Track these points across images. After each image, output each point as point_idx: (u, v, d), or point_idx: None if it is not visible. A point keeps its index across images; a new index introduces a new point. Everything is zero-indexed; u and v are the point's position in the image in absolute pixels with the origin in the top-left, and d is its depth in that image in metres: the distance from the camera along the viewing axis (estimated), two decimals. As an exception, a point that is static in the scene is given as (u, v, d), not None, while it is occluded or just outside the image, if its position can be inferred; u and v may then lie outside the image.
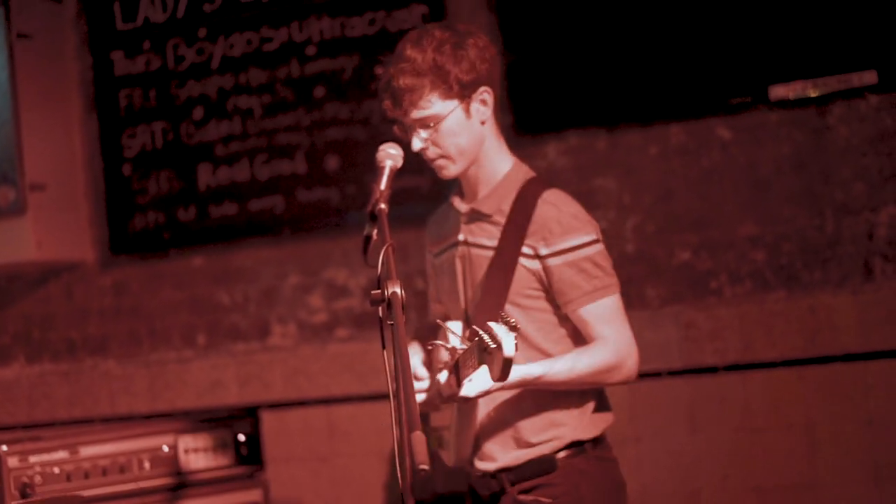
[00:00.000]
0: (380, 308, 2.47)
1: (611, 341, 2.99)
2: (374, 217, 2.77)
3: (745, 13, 4.55)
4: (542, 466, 3.06)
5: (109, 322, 5.52)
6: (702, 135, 4.66)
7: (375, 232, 2.80)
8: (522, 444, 3.07)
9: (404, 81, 2.99)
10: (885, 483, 4.37)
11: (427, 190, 4.92)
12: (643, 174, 4.74)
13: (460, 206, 3.20)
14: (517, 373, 2.81)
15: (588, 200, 4.74)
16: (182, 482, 4.21)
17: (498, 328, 2.38)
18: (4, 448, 3.80)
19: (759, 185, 4.59)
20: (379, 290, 2.47)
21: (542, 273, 3.02)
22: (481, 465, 3.09)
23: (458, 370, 2.72)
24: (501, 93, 4.80)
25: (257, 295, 5.27)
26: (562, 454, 3.06)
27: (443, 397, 2.89)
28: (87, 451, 4.00)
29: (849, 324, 4.43)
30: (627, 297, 4.65)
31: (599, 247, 3.06)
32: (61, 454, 3.92)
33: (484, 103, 3.06)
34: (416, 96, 2.99)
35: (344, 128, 5.15)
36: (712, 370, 4.58)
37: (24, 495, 3.77)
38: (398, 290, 2.43)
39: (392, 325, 2.40)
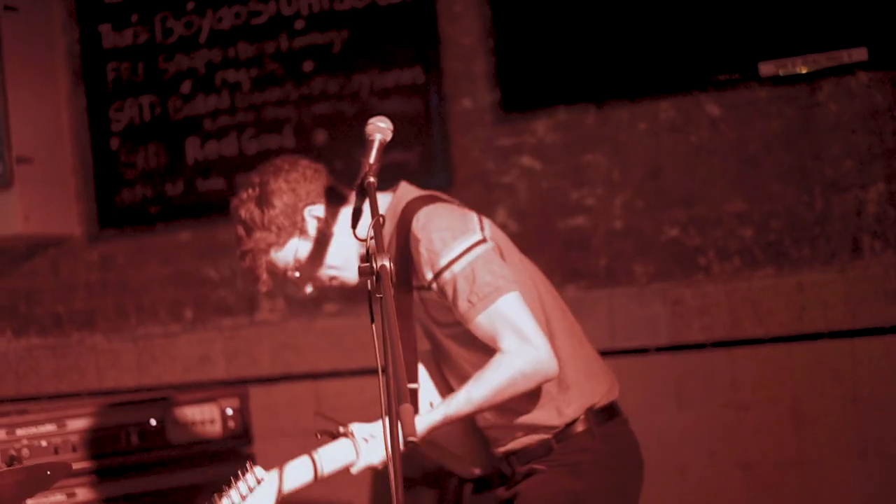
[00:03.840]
0: (368, 281, 2.47)
1: (503, 354, 2.91)
2: (362, 190, 2.77)
3: (735, -11, 4.54)
4: (539, 450, 3.08)
5: (96, 296, 5.50)
6: (691, 111, 4.65)
7: (364, 205, 2.80)
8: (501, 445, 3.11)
9: (250, 263, 3.16)
10: (870, 459, 4.39)
11: (415, 164, 4.91)
12: (632, 150, 4.73)
13: None
14: (421, 423, 2.93)
15: (577, 176, 4.77)
16: (168, 455, 4.21)
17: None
18: (-8, 421, 3.80)
19: (748, 161, 4.59)
20: (367, 264, 2.47)
21: (438, 296, 3.01)
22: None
23: None
24: (488, 71, 4.85)
25: (245, 269, 5.25)
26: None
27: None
28: (74, 424, 4.00)
29: (837, 301, 4.44)
30: (615, 274, 4.71)
31: (474, 254, 2.96)
32: (49, 427, 3.92)
33: (317, 219, 3.11)
34: (265, 266, 3.14)
35: (332, 102, 5.13)
36: (700, 347, 4.59)
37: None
38: (387, 263, 2.42)
39: (381, 298, 2.39)
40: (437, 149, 4.94)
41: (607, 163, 4.76)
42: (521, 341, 2.90)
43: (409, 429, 2.09)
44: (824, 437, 4.44)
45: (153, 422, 4.17)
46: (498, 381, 2.90)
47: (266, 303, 5.23)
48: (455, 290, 2.93)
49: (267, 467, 4.91)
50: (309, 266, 3.13)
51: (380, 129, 2.83)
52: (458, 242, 2.98)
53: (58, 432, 3.94)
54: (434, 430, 2.96)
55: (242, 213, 3.14)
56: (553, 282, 4.76)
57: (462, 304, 2.93)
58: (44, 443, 3.89)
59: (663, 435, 4.60)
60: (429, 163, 4.95)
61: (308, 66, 5.16)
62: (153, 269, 5.40)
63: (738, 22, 4.53)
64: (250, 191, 3.15)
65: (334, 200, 3.15)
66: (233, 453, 4.34)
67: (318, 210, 3.12)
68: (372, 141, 2.81)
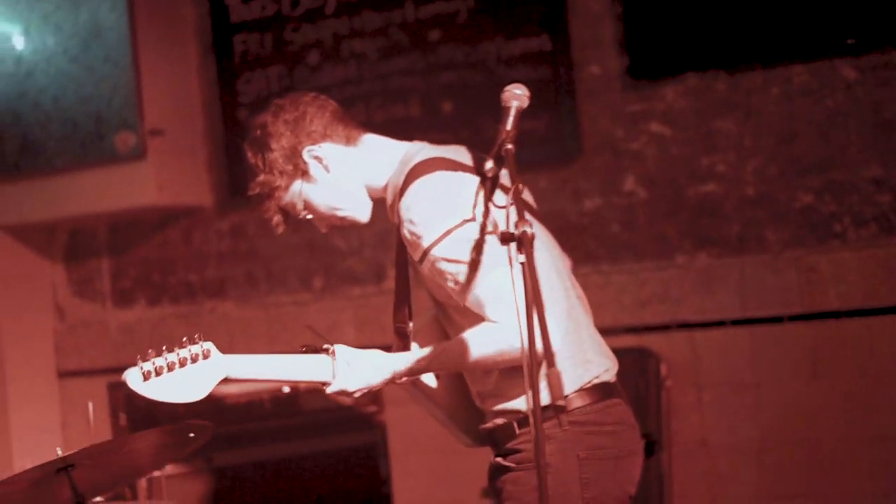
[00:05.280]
0: (509, 247, 2.46)
1: (497, 325, 2.80)
2: (500, 158, 2.75)
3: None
4: (504, 432, 2.98)
5: (227, 265, 5.59)
6: (825, 75, 4.56)
7: (501, 173, 2.78)
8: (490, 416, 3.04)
9: (264, 209, 3.05)
10: None
11: (543, 132, 4.89)
12: (764, 116, 4.66)
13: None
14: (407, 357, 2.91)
15: (708, 143, 4.71)
16: (303, 422, 4.27)
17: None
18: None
19: (884, 126, 4.49)
20: (508, 230, 2.46)
21: (429, 273, 2.94)
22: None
23: None
24: (616, 37, 4.80)
25: (372, 239, 5.29)
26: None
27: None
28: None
29: (978, 268, 4.34)
30: (747, 241, 4.64)
31: (457, 235, 2.83)
32: (186, 394, 4.00)
33: (318, 159, 3.00)
34: (274, 209, 3.03)
35: (458, 71, 5.13)
36: (835, 315, 4.51)
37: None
38: (528, 229, 2.41)
39: (523, 264, 2.39)
40: (564, 116, 4.91)
41: (738, 129, 4.69)
42: (513, 316, 2.72)
43: (558, 392, 2.07)
44: (965, 408, 4.35)
45: (286, 389, 4.23)
46: (487, 349, 2.83)
47: (393, 272, 5.25)
48: (441, 272, 2.87)
49: (397, 434, 4.94)
50: (316, 207, 3.04)
51: (516, 95, 2.80)
52: (441, 223, 2.84)
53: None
54: (413, 373, 2.93)
55: (249, 157, 3.04)
56: (684, 249, 4.76)
57: (451, 285, 2.87)
58: (181, 410, 3.96)
59: (797, 405, 4.54)
60: (557, 130, 4.93)
61: (434, 34, 5.16)
62: (282, 238, 5.45)
63: (875, -17, 4.43)
64: (255, 133, 3.04)
65: (340, 138, 3.04)
66: (365, 420, 4.38)
67: (320, 150, 3.00)
68: (508, 108, 2.78)
